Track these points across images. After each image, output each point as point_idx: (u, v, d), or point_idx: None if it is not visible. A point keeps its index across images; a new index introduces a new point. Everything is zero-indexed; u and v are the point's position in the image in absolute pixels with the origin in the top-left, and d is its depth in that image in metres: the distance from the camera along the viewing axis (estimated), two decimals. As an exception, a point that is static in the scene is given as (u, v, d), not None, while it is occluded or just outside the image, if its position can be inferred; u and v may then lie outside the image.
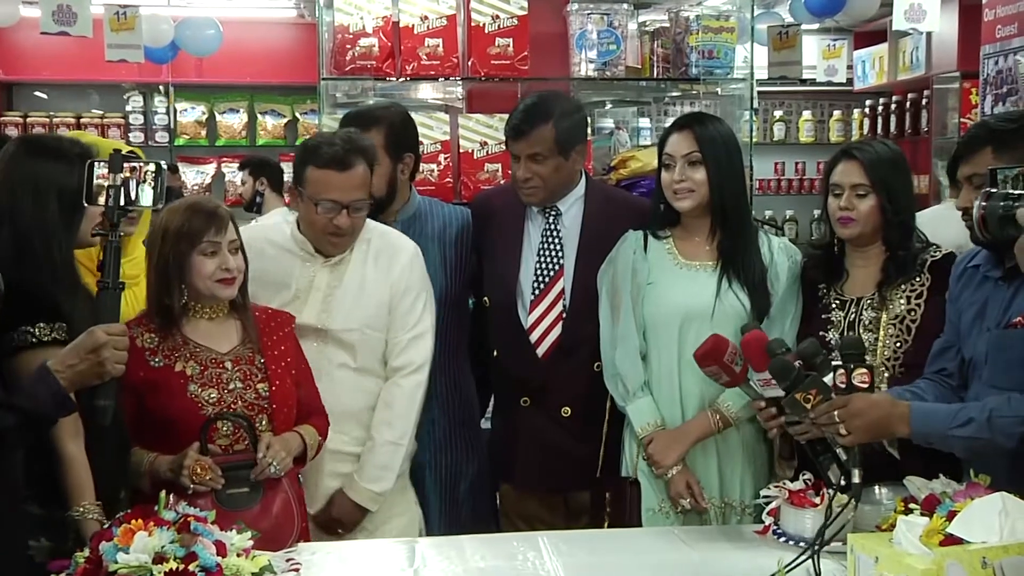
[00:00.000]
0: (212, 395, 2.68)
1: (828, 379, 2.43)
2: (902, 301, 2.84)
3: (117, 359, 2.15)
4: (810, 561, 2.31)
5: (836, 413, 2.38)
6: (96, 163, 2.24)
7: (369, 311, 2.98)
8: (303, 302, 2.94)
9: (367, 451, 2.95)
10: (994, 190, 2.26)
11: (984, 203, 2.25)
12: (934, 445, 2.45)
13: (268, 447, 2.63)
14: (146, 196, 2.28)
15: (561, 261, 3.23)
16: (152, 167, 2.28)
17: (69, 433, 2.32)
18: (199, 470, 2.57)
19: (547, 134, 3.15)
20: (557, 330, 3.18)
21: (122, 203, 2.24)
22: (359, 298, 2.97)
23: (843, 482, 2.44)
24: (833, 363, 2.45)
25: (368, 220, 3.02)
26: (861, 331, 2.83)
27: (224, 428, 2.67)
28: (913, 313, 2.82)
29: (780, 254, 3.01)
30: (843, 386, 2.41)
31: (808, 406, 2.42)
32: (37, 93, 7.98)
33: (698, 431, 2.93)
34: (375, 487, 2.93)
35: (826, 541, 2.34)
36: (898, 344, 2.81)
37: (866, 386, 2.41)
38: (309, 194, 2.90)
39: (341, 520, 2.93)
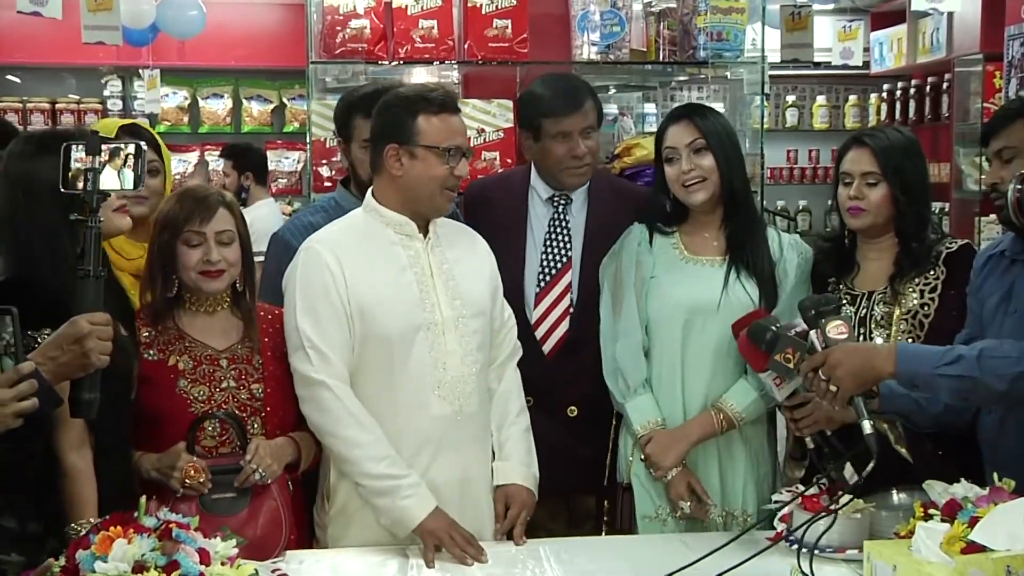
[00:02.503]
0: (202, 392, 2.68)
1: (815, 337, 2.47)
2: (915, 295, 2.84)
3: (102, 350, 2.13)
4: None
5: (820, 371, 2.41)
6: (73, 146, 2.23)
7: (487, 293, 2.90)
8: (430, 289, 2.79)
9: (514, 437, 2.91)
10: None
11: (1020, 186, 2.24)
12: (920, 389, 2.46)
13: (255, 452, 2.63)
14: (126, 179, 2.27)
15: (569, 253, 3.24)
16: (132, 148, 2.26)
17: (73, 443, 2.33)
18: (192, 472, 2.58)
19: (593, 106, 3.24)
20: (564, 326, 3.19)
21: (101, 187, 2.23)
22: (476, 278, 2.89)
23: (857, 478, 2.45)
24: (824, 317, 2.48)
25: None
26: (873, 327, 2.83)
27: (211, 428, 2.67)
28: (926, 308, 2.82)
29: (790, 250, 3.02)
30: (824, 345, 2.44)
31: (791, 366, 2.47)
32: (9, 77, 7.96)
33: (700, 431, 2.93)
34: (535, 470, 2.91)
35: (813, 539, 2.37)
36: (910, 340, 2.80)
37: (844, 336, 2.44)
38: (430, 143, 2.73)
39: (528, 507, 2.85)
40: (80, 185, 2.21)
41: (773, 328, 2.51)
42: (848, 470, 2.49)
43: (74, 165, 2.21)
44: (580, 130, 3.19)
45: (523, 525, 2.81)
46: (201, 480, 2.58)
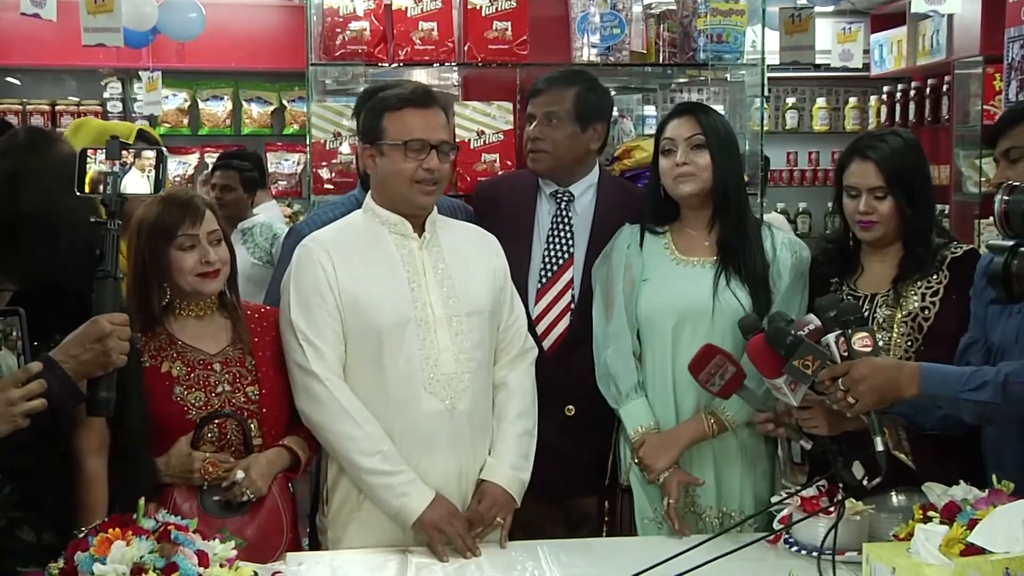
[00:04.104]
0: (199, 398, 2.68)
1: (832, 342, 2.46)
2: (916, 299, 2.83)
3: (121, 349, 2.18)
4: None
5: (840, 381, 2.40)
6: (89, 151, 2.25)
7: (486, 293, 2.90)
8: (421, 287, 2.81)
9: (508, 439, 2.88)
10: (1017, 183, 2.25)
11: (1007, 197, 2.24)
12: (942, 408, 2.47)
13: (247, 475, 2.63)
14: (147, 183, 2.30)
15: (571, 250, 3.25)
16: (153, 154, 2.30)
17: (93, 447, 2.35)
18: (211, 469, 2.60)
19: (568, 96, 3.26)
20: (564, 322, 3.20)
21: (121, 191, 2.25)
22: (475, 278, 2.90)
23: (865, 481, 2.44)
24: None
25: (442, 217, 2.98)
26: (875, 330, 2.82)
27: (210, 434, 2.67)
28: (927, 311, 2.82)
29: (783, 250, 3.01)
30: (846, 354, 2.44)
31: (809, 372, 2.46)
32: (9, 79, 7.96)
33: (691, 435, 2.93)
34: (524, 476, 2.89)
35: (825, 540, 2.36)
36: (910, 343, 2.80)
37: (869, 350, 2.44)
38: (392, 139, 2.79)
39: (501, 508, 2.82)
40: (100, 188, 2.24)
41: (793, 332, 2.49)
42: (858, 468, 2.48)
43: (99, 168, 2.23)
44: (543, 113, 3.26)
45: (499, 529, 2.80)
46: (223, 471, 2.60)
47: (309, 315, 2.76)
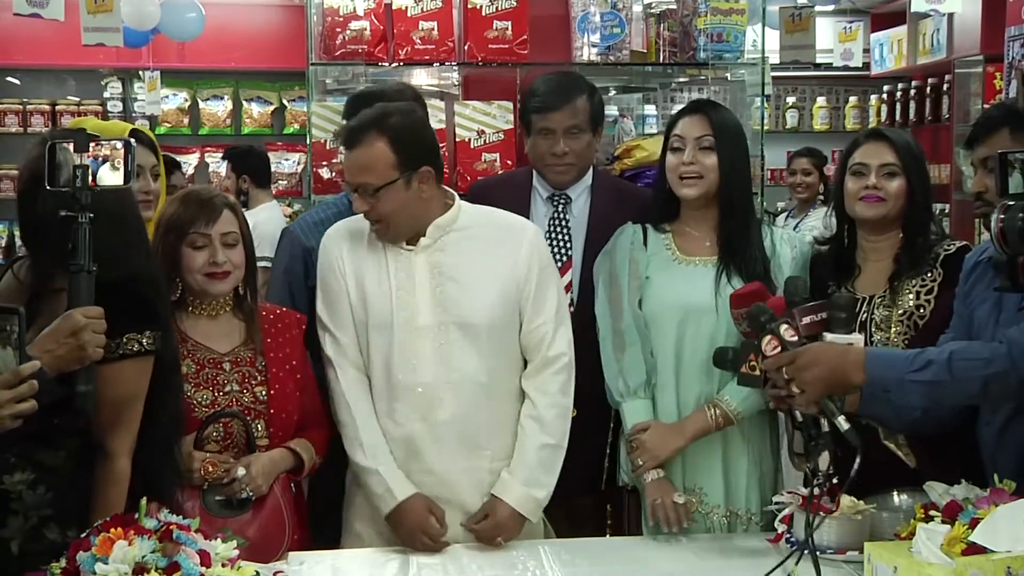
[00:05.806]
0: (205, 397, 2.68)
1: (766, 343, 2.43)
2: (911, 296, 2.83)
3: (96, 343, 2.15)
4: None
5: (784, 370, 2.37)
6: (58, 144, 2.23)
7: (489, 301, 2.81)
8: (408, 294, 2.78)
9: (522, 456, 2.82)
10: (1012, 202, 2.22)
11: (1003, 216, 2.21)
12: (891, 395, 2.40)
13: (248, 472, 2.63)
14: (114, 176, 2.26)
15: (569, 252, 3.25)
16: (119, 145, 2.26)
17: (127, 448, 2.34)
18: (210, 468, 2.61)
19: (585, 105, 3.26)
20: None
21: (90, 183, 2.23)
22: (479, 287, 2.81)
23: (831, 471, 2.38)
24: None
25: (480, 207, 2.97)
26: (873, 331, 2.82)
27: (215, 434, 2.67)
28: (922, 309, 2.81)
29: (783, 245, 3.01)
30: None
31: (756, 373, 2.44)
32: (9, 79, 7.97)
33: (695, 427, 2.90)
34: (539, 493, 2.82)
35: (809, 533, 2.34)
36: (907, 342, 2.78)
37: (778, 351, 2.38)
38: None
39: (504, 529, 2.78)
40: (70, 182, 2.21)
41: (731, 347, 2.50)
42: (824, 458, 2.40)
43: (63, 162, 2.21)
44: (564, 128, 3.23)
45: (492, 542, 2.77)
46: (220, 472, 2.61)
47: (329, 303, 2.84)
